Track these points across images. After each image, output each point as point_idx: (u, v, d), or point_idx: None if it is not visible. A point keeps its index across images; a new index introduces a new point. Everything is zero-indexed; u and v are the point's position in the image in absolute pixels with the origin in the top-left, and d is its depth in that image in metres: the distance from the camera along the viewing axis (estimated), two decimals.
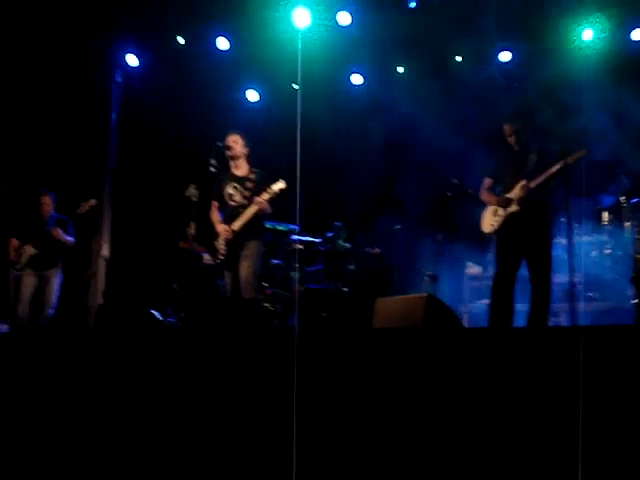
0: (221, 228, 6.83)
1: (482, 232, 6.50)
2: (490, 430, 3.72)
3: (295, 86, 9.08)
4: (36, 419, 4.56)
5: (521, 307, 6.23)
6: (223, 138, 6.95)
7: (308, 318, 8.36)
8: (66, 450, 4.43)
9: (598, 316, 7.34)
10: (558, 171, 5.92)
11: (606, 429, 3.44)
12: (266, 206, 6.71)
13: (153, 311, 7.87)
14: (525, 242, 6.16)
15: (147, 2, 9.04)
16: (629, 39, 8.51)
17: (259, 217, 6.80)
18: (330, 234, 8.78)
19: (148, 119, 9.64)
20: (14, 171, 8.80)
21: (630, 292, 6.97)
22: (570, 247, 5.41)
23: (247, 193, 6.80)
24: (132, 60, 9.67)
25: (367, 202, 9.40)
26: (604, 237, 7.88)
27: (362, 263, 8.73)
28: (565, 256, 6.19)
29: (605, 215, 7.95)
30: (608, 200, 7.93)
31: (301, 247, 8.43)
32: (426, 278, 6.92)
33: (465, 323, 7.85)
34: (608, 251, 7.80)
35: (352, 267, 8.71)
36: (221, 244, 6.81)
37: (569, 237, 5.43)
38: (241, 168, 6.97)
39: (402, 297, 5.75)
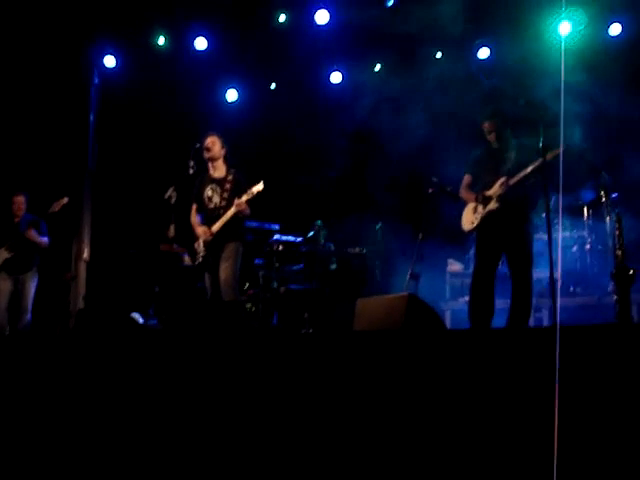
0: (200, 230, 6.79)
1: (462, 230, 6.48)
2: (472, 432, 3.71)
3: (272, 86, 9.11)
4: (19, 425, 4.54)
5: (503, 304, 6.23)
6: (201, 139, 6.91)
7: (290, 319, 8.34)
8: (50, 456, 4.41)
9: (580, 311, 7.36)
10: (537, 168, 5.91)
11: (584, 430, 3.44)
12: (245, 208, 6.67)
13: (134, 314, 7.85)
14: (504, 239, 6.15)
15: (125, 3, 8.99)
16: (607, 33, 8.54)
17: (238, 219, 6.76)
18: (311, 234, 8.76)
19: (126, 121, 9.60)
20: None
21: (611, 287, 6.98)
22: (550, 243, 5.39)
23: (225, 195, 6.77)
24: (109, 61, 9.62)
25: (344, 199, 9.39)
26: (584, 232, 7.91)
27: (343, 263, 8.71)
28: (546, 252, 6.19)
29: (585, 210, 7.98)
30: (588, 195, 7.95)
31: (281, 248, 8.41)
32: (408, 277, 6.90)
33: (447, 321, 7.87)
34: (588, 246, 7.83)
35: (333, 267, 8.69)
36: (201, 246, 6.77)
37: (549, 233, 5.42)
38: (219, 169, 6.93)
39: (383, 297, 5.74)
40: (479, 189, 6.37)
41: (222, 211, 6.72)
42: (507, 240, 6.15)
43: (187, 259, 8.00)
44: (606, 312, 6.91)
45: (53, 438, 4.47)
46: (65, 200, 8.01)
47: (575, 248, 7.94)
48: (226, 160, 6.94)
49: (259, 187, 6.62)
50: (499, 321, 6.13)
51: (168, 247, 8.06)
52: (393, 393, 3.94)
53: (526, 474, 3.49)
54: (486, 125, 6.37)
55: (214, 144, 6.87)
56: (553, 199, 6.79)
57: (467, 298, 6.78)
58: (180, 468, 4.21)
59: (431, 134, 8.45)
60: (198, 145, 6.86)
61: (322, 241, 8.79)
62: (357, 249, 8.71)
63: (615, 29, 8.51)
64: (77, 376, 4.65)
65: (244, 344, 4.65)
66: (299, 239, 8.72)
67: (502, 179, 6.16)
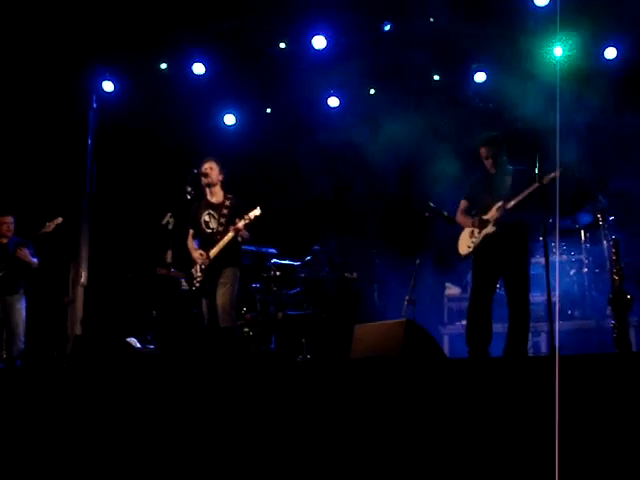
0: (197, 255, 6.79)
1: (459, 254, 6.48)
2: (470, 460, 3.69)
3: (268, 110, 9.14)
4: (16, 451, 4.53)
5: (501, 327, 6.22)
6: (199, 165, 6.92)
7: (287, 344, 8.32)
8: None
9: (578, 334, 7.35)
10: (534, 192, 5.91)
11: (584, 457, 3.42)
12: (243, 232, 6.67)
13: (131, 339, 7.82)
14: (501, 262, 6.16)
15: (123, 28, 9.03)
16: (602, 56, 8.57)
17: (236, 244, 6.76)
18: (308, 258, 8.76)
19: (124, 145, 9.62)
20: None
21: (609, 311, 6.97)
22: (548, 266, 5.39)
23: (223, 220, 6.77)
24: (108, 86, 9.65)
25: (340, 224, 9.41)
26: (582, 256, 7.92)
27: (341, 288, 8.70)
28: (544, 275, 6.19)
29: (582, 234, 7.98)
30: (585, 219, 7.95)
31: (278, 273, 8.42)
32: (405, 302, 6.89)
33: (445, 345, 7.85)
34: (586, 269, 7.83)
35: (331, 292, 8.68)
36: (198, 271, 6.77)
37: (546, 256, 5.42)
38: (216, 195, 6.94)
39: (380, 323, 5.72)
40: (476, 213, 6.38)
41: (219, 236, 6.72)
42: (504, 264, 6.16)
43: (185, 283, 7.98)
44: (604, 335, 6.91)
45: (51, 463, 4.46)
46: (59, 220, 7.93)
47: (573, 271, 7.94)
48: (223, 186, 6.96)
49: (256, 212, 6.63)
50: (497, 345, 6.11)
51: (165, 272, 8.04)
52: (391, 420, 3.93)
53: None
54: (483, 151, 6.39)
55: (212, 170, 6.88)
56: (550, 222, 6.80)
57: (465, 322, 6.77)
58: None
59: (430, 158, 8.44)
60: (196, 170, 6.87)
61: (319, 266, 8.78)
62: (354, 274, 8.70)
63: (610, 52, 8.54)
64: (74, 401, 4.65)
65: (241, 371, 4.64)
66: (297, 263, 8.72)
67: (499, 203, 6.17)
